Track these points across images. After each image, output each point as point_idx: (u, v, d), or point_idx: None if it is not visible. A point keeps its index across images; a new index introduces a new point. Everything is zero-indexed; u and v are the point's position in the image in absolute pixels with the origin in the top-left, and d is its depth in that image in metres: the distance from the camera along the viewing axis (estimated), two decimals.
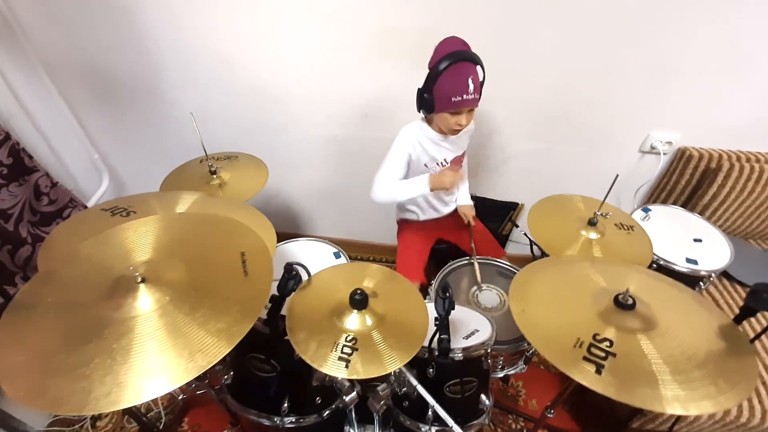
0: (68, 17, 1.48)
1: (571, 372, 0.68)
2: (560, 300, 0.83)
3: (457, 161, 1.42)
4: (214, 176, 1.36)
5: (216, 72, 1.60)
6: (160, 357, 0.61)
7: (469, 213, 1.53)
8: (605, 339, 0.72)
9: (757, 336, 0.72)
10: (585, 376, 0.67)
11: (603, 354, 0.70)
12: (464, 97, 1.12)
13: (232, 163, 1.47)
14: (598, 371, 0.67)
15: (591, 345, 0.71)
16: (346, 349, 0.72)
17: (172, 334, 0.64)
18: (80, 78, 1.63)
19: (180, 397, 1.54)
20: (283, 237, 1.25)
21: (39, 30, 1.49)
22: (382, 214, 2.07)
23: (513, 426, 1.52)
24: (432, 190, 1.26)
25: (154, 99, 1.70)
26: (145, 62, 1.59)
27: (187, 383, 0.61)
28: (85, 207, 1.56)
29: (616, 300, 0.77)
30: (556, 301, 0.83)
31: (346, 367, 0.69)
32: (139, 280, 0.67)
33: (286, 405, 0.94)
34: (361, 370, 0.69)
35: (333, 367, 0.69)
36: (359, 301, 0.77)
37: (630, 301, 0.76)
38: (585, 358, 0.70)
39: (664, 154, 1.60)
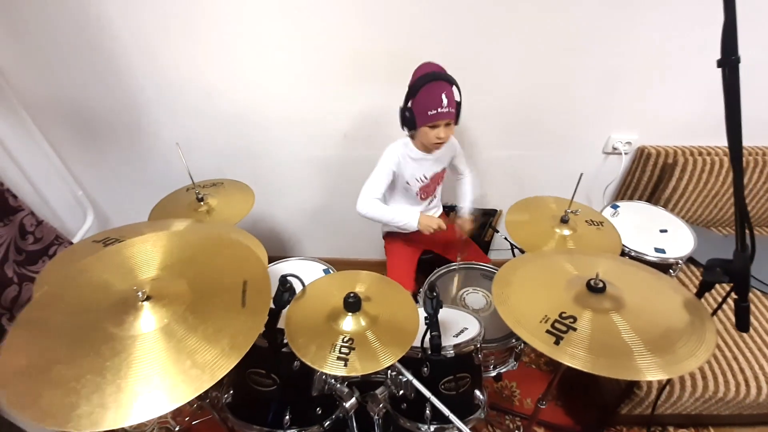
0: (47, 59, 1.51)
1: (532, 341, 0.76)
2: (537, 286, 0.91)
3: (436, 178, 1.50)
4: (202, 203, 1.40)
5: (196, 102, 1.64)
6: (144, 383, 0.60)
7: (465, 226, 1.52)
8: (570, 317, 0.80)
9: (716, 310, 0.79)
10: (544, 345, 0.75)
11: (564, 328, 0.78)
12: (439, 110, 1.22)
13: (218, 189, 1.51)
14: (557, 342, 0.75)
15: (555, 321, 0.80)
16: (344, 349, 0.76)
17: (162, 361, 0.63)
18: (62, 117, 1.65)
19: (176, 429, 1.52)
20: (271, 260, 1.28)
21: (19, 73, 1.52)
22: (369, 230, 2.11)
23: (510, 426, 1.55)
24: (419, 228, 1.41)
25: (137, 133, 1.73)
26: (125, 98, 1.62)
27: (188, 403, 0.61)
28: (72, 244, 1.56)
29: (588, 285, 0.84)
30: (533, 287, 0.91)
31: (345, 365, 0.73)
32: (143, 298, 0.70)
33: (287, 417, 0.96)
34: (360, 367, 0.72)
35: (333, 367, 0.73)
36: (352, 303, 0.82)
37: (600, 285, 0.83)
38: (547, 331, 0.78)
39: (625, 153, 1.73)
